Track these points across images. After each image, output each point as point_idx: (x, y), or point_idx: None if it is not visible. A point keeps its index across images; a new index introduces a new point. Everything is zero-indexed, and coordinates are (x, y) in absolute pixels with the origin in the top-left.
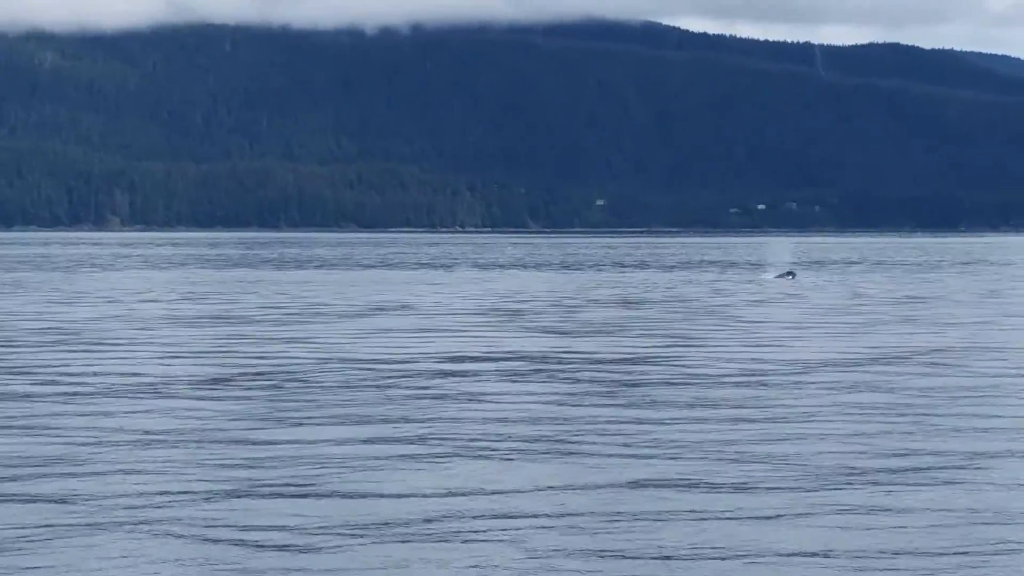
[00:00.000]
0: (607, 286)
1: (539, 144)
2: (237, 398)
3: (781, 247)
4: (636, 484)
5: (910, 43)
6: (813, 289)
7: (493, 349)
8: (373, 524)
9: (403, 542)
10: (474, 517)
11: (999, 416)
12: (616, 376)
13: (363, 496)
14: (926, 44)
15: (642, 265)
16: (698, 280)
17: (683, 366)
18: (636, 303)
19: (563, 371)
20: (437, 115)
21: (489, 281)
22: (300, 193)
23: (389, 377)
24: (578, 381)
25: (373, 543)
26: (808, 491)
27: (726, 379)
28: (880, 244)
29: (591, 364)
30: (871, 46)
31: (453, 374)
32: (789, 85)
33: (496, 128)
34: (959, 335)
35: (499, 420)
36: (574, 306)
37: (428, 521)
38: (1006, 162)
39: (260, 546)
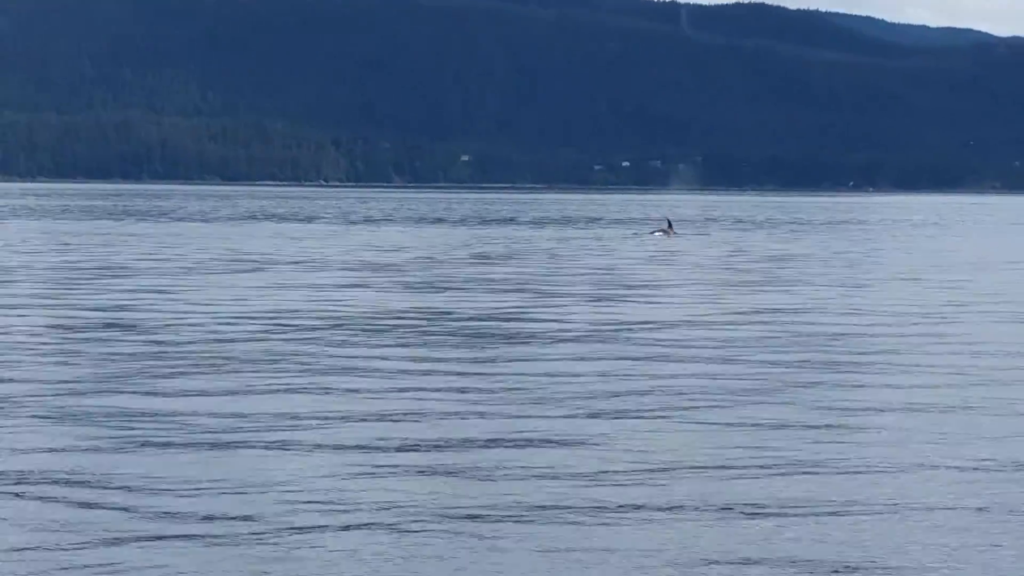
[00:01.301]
0: (482, 242)
1: (404, 99)
2: (67, 352)
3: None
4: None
5: (775, 3)
6: (693, 246)
7: (355, 306)
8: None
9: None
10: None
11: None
12: (469, 331)
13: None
14: (791, 4)
15: (509, 221)
16: (571, 236)
17: (537, 321)
18: (503, 258)
19: (420, 327)
20: (302, 70)
21: (355, 235)
22: (163, 145)
23: (246, 335)
24: (429, 336)
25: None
26: (614, 435)
27: (571, 334)
28: (747, 202)
29: (447, 320)
30: (737, 5)
31: (309, 329)
32: (654, 43)
33: (361, 83)
34: (829, 294)
35: (347, 374)
36: (442, 261)
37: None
38: (868, 123)
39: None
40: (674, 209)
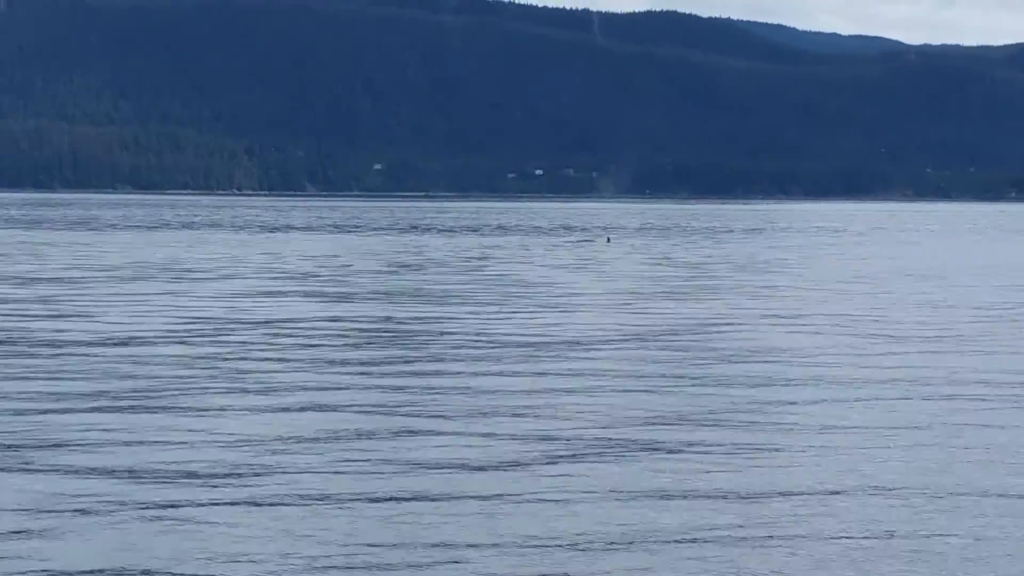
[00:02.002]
0: (397, 250)
1: (317, 108)
2: None
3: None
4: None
5: (687, 11)
6: (620, 255)
7: (262, 314)
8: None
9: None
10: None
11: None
12: (372, 338)
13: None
14: (703, 12)
15: (425, 229)
16: (494, 244)
17: (450, 332)
18: (415, 267)
19: (326, 335)
20: (215, 78)
21: (268, 243)
22: (75, 154)
23: (146, 346)
24: (335, 344)
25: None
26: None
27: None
28: (663, 210)
29: (354, 329)
30: (649, 14)
31: (210, 336)
32: (567, 52)
33: (274, 92)
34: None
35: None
36: (355, 270)
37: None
38: (780, 131)
39: None
40: (590, 217)
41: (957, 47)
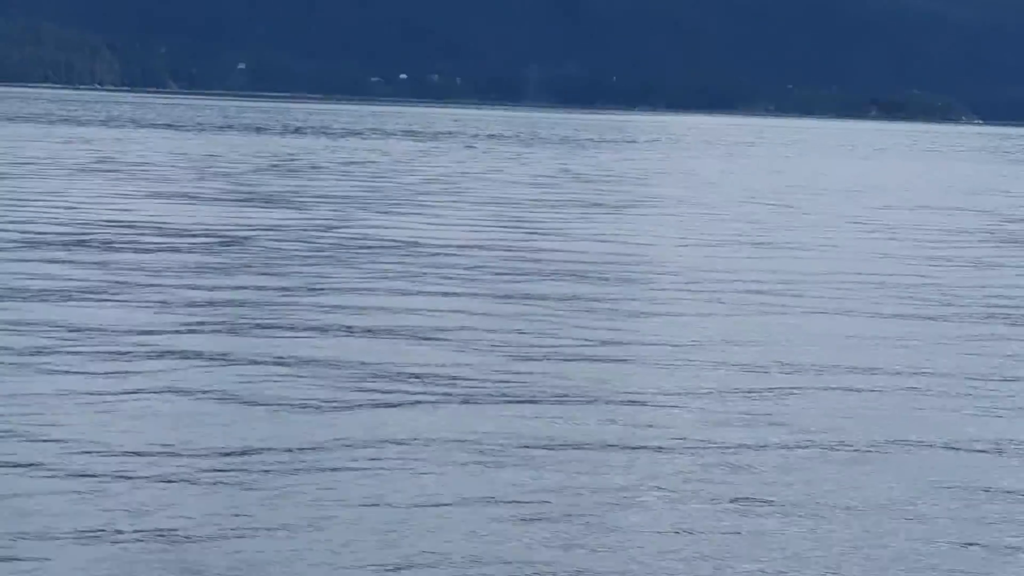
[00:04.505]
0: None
1: (181, 4)
2: None
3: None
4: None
5: None
6: (521, 163)
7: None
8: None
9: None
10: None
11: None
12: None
13: None
14: None
15: (305, 131)
16: (372, 147)
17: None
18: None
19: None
20: None
21: (142, 141)
22: None
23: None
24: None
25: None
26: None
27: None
28: (530, 119)
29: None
30: None
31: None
32: None
33: None
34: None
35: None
36: (244, 171)
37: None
38: (643, 44)
39: None
40: (462, 124)
41: None
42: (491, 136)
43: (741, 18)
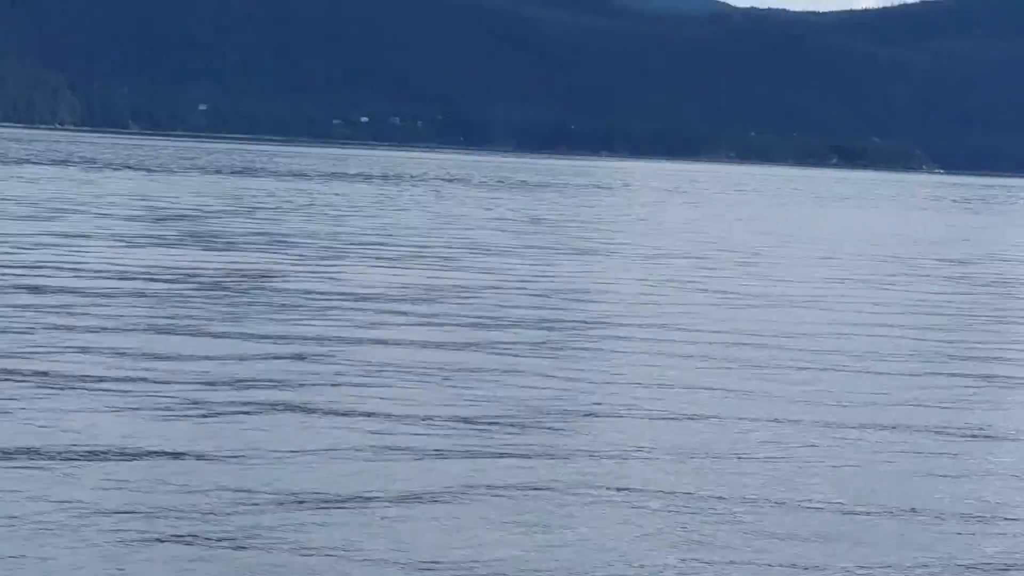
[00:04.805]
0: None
1: (144, 44)
2: None
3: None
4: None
5: None
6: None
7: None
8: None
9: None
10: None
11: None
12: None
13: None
14: None
15: (258, 172)
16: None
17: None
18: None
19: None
20: (40, 8)
21: (103, 183)
22: None
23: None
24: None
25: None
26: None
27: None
28: (490, 163)
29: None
30: None
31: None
32: None
33: (100, 25)
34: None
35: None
36: (212, 214)
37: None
38: (606, 88)
39: None
40: (417, 166)
41: (784, 11)
42: (454, 180)
43: (702, 64)
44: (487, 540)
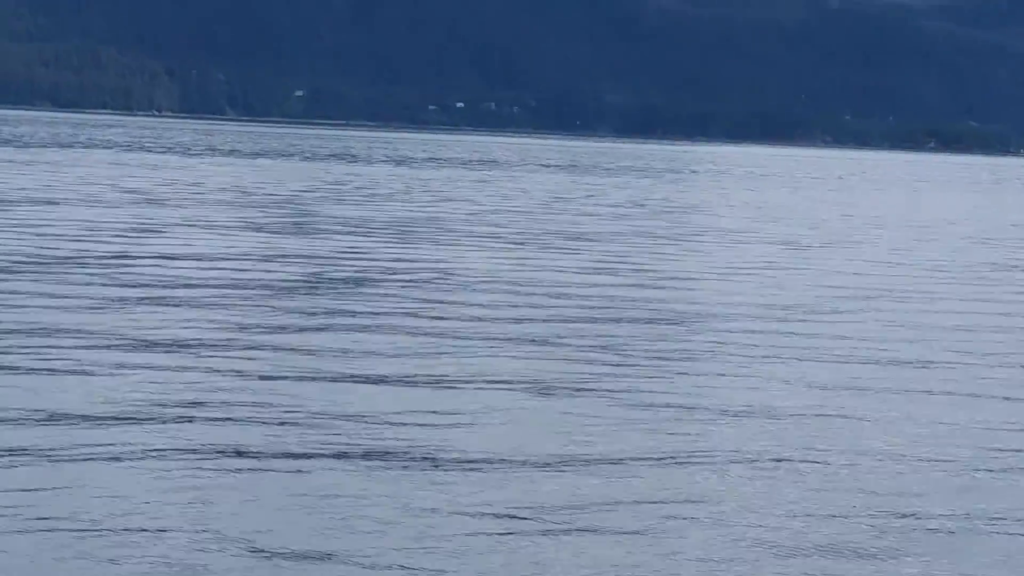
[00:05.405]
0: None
1: (240, 31)
2: None
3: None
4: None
5: None
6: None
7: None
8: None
9: None
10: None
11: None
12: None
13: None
14: None
15: (368, 160)
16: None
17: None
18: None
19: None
20: None
21: (216, 168)
22: None
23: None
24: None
25: None
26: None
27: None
28: (591, 148)
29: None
30: None
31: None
32: None
33: (196, 12)
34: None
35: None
36: (329, 197)
37: None
38: (701, 71)
39: None
40: (514, 152)
41: None
42: (555, 167)
43: (798, 47)
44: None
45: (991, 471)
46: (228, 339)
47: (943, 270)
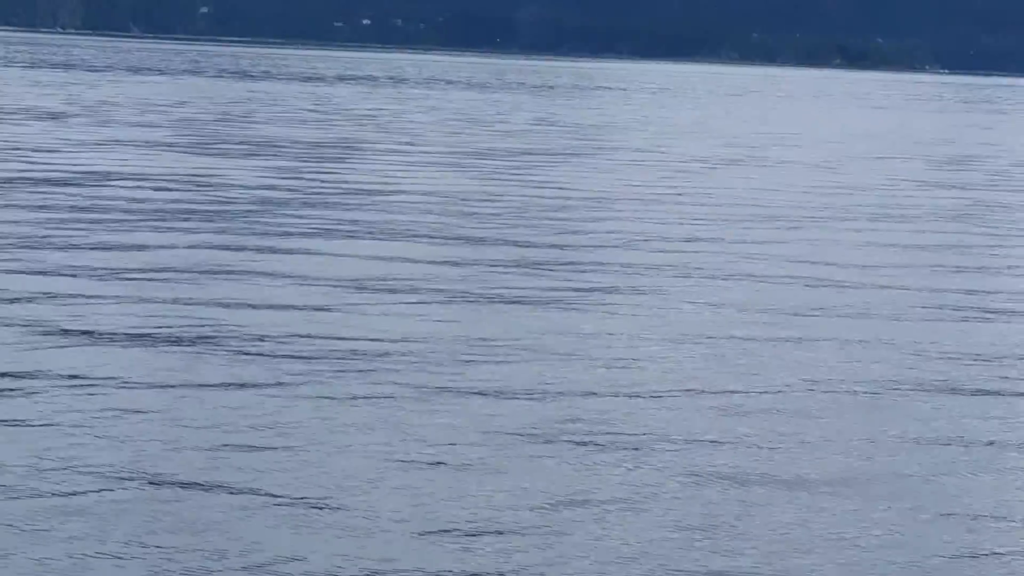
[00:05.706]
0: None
1: None
2: None
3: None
4: None
5: None
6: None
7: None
8: None
9: None
10: None
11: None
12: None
13: None
14: None
15: (265, 76)
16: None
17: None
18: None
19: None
20: None
21: (118, 85)
22: None
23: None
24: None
25: None
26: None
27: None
28: (500, 66)
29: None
30: None
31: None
32: None
33: None
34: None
35: None
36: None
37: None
38: None
39: None
40: (423, 68)
41: None
42: (472, 84)
43: None
44: None
45: (891, 390)
46: (134, 265)
47: (858, 188)
